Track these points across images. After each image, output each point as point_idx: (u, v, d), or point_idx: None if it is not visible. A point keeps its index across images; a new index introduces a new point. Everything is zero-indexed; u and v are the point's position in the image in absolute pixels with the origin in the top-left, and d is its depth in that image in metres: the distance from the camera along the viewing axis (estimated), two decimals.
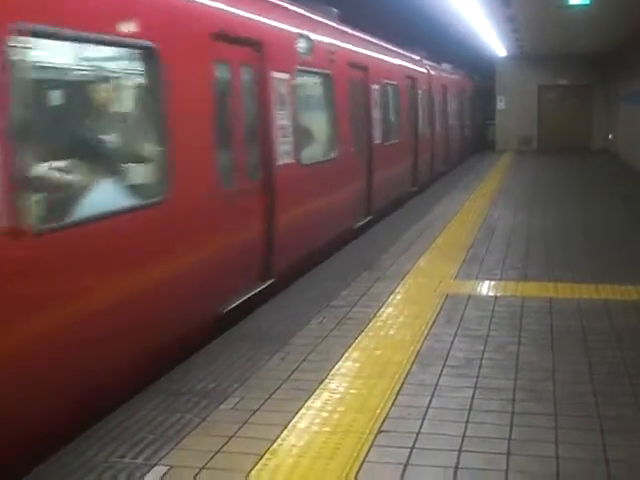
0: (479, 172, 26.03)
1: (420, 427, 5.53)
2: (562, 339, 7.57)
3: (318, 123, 13.51)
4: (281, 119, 10.36)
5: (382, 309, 8.61)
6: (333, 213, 12.95)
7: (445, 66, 30.51)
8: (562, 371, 6.67)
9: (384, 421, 5.63)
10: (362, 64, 15.43)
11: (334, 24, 14.63)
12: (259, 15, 9.97)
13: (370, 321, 8.14)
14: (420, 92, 22.36)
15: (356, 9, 20.43)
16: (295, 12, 12.11)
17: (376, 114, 16.33)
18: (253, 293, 9.24)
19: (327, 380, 6.46)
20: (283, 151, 10.35)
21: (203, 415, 5.77)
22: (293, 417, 5.70)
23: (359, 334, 7.69)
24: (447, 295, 9.23)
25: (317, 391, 6.21)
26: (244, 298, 8.96)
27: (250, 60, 9.42)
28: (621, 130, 30.94)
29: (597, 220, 15.11)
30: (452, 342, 7.47)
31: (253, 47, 9.48)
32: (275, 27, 10.71)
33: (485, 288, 9.73)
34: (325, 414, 5.76)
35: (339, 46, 13.77)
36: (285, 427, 5.52)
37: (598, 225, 14.51)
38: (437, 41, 28.87)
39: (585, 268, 10.74)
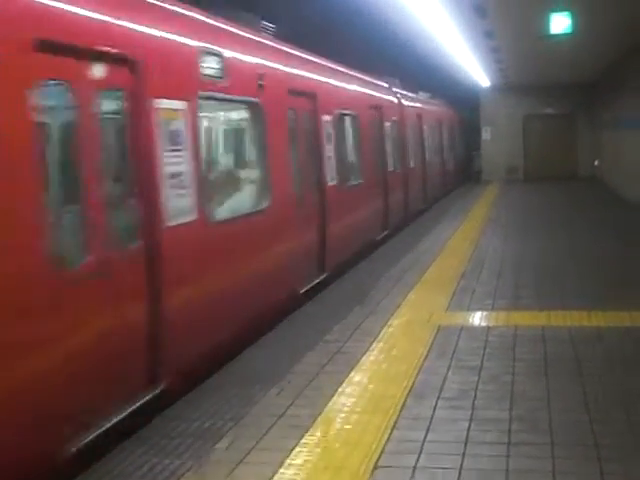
0: (465, 203, 26.07)
1: (417, 461, 5.49)
2: (556, 367, 7.57)
3: (239, 165, 11.43)
4: (172, 163, 7.78)
5: (374, 343, 8.58)
6: (261, 279, 9.99)
7: (422, 95, 29.04)
8: (557, 400, 6.66)
9: (380, 456, 5.60)
10: (308, 90, 12.82)
11: (263, 40, 11.64)
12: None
13: (363, 355, 8.11)
14: (388, 124, 20.06)
15: (321, 32, 19.33)
16: (195, 20, 9.16)
17: (329, 151, 13.67)
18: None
19: (322, 416, 6.42)
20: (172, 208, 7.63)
21: (197, 456, 5.73)
22: (289, 454, 5.66)
23: (352, 369, 7.67)
24: (439, 327, 9.21)
25: (312, 427, 6.17)
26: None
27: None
28: (606, 156, 31.13)
29: (586, 246, 15.14)
30: (446, 374, 7.45)
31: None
32: (156, 37, 7.83)
33: (477, 319, 9.72)
34: (321, 450, 5.72)
35: (272, 68, 11.12)
36: (281, 465, 5.48)
37: (587, 251, 14.53)
38: (419, 73, 28.96)
39: (576, 295, 10.74)
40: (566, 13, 15.98)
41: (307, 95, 12.73)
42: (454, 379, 7.30)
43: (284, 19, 15.09)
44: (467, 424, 6.15)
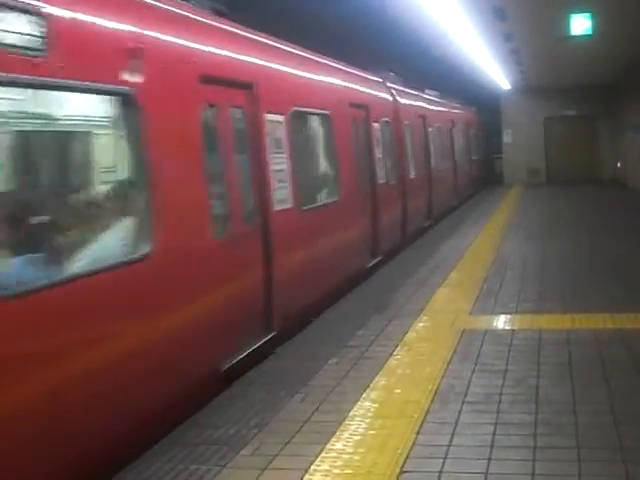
0: (487, 207, 25.98)
1: (442, 466, 5.48)
2: (581, 370, 7.53)
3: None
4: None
5: (398, 348, 8.57)
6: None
7: (430, 93, 25.97)
8: (582, 403, 6.63)
9: (405, 461, 5.59)
10: (240, 80, 9.17)
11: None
12: None
13: (387, 360, 8.10)
14: (378, 126, 16.28)
15: (337, 33, 18.20)
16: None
17: (278, 163, 9.99)
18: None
19: (346, 421, 6.42)
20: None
21: (222, 463, 5.73)
22: (314, 460, 5.66)
23: (376, 374, 7.66)
24: (463, 331, 9.19)
25: (337, 432, 6.17)
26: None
27: None
28: (628, 158, 30.97)
29: (609, 249, 15.07)
30: (470, 378, 7.43)
31: None
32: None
33: (501, 322, 9.70)
34: (346, 456, 5.72)
35: (159, 41, 7.36)
36: (306, 471, 5.48)
37: (611, 254, 14.46)
38: (440, 76, 28.87)
39: (600, 298, 10.70)
40: (586, 14, 15.94)
41: (239, 85, 9.18)
42: (479, 383, 7.29)
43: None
44: (492, 428, 6.13)
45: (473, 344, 8.61)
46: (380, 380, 7.47)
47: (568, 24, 16.25)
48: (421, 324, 9.63)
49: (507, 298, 10.95)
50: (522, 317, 9.86)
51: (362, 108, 15.14)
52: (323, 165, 13.19)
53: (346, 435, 6.11)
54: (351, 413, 6.60)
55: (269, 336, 9.10)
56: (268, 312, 9.20)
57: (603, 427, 6.07)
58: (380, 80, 18.13)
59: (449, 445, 5.85)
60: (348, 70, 15.17)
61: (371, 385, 7.32)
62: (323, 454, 5.77)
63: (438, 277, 12.73)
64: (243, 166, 9.15)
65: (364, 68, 16.72)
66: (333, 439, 6.04)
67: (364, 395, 7.04)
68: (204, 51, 8.26)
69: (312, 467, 5.55)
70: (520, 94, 36.11)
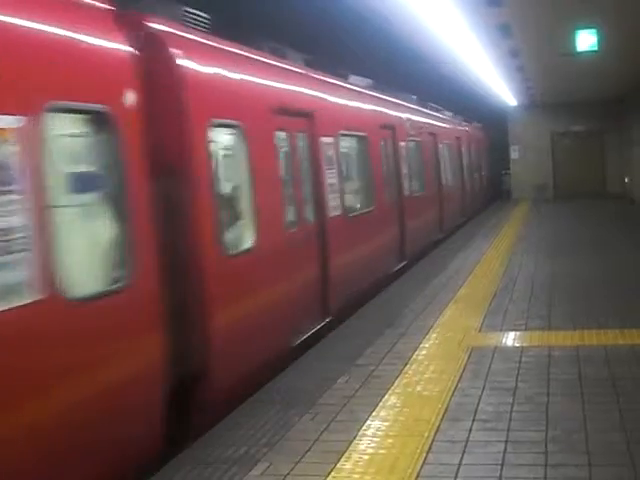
0: (496, 223, 26.00)
1: None
2: (591, 387, 7.51)
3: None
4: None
5: (407, 365, 8.56)
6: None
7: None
8: (593, 420, 6.60)
9: None
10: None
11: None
12: None
13: (396, 378, 8.09)
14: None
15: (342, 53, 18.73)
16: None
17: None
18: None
19: (356, 440, 6.41)
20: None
21: None
22: None
23: (386, 392, 7.65)
24: (472, 348, 9.18)
25: (347, 452, 6.15)
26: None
27: None
28: (636, 173, 30.94)
29: (618, 264, 15.05)
30: (480, 396, 7.41)
31: None
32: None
33: (510, 339, 9.68)
34: (356, 476, 5.70)
35: None
36: None
37: (619, 269, 14.44)
38: (446, 93, 28.93)
39: (609, 313, 10.66)
40: (592, 30, 15.93)
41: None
42: (489, 401, 7.27)
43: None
44: (503, 446, 6.11)
45: (482, 362, 8.59)
46: (390, 398, 7.45)
47: (574, 40, 16.25)
48: (430, 341, 9.62)
49: (516, 314, 10.93)
50: (531, 334, 9.84)
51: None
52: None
53: (356, 455, 6.10)
54: (361, 432, 6.58)
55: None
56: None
57: (614, 445, 6.04)
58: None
59: (459, 464, 5.82)
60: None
61: (381, 404, 7.30)
62: (333, 474, 5.75)
63: (447, 293, 12.73)
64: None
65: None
66: (343, 459, 6.02)
67: (374, 414, 7.03)
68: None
69: None
70: (527, 110, 36.14)
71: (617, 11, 14.57)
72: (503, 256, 17.03)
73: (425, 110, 22.91)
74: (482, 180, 34.94)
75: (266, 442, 6.49)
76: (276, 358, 9.03)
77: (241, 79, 9.08)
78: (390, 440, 6.38)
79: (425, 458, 5.95)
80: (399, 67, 21.69)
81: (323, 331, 10.71)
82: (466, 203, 28.60)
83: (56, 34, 5.68)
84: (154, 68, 7.10)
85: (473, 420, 6.75)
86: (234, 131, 8.72)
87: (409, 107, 19.96)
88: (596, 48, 16.36)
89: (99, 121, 6.02)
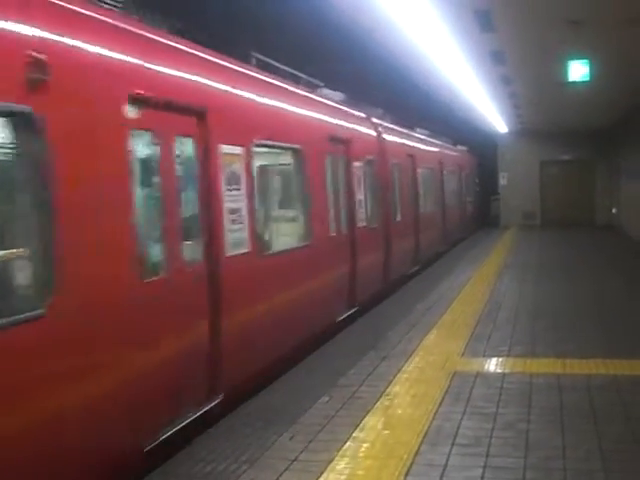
0: (482, 249, 26.06)
1: None
2: (571, 416, 7.52)
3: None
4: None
5: (389, 388, 8.56)
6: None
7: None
8: (572, 448, 6.62)
9: None
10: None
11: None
12: None
13: (377, 400, 8.09)
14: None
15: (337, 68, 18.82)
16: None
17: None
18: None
19: (335, 460, 6.40)
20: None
21: None
22: None
23: (366, 413, 7.65)
24: (454, 373, 9.18)
25: (325, 472, 6.15)
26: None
27: None
28: (624, 204, 31.09)
29: (603, 294, 15.08)
30: (460, 420, 7.42)
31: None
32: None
33: (493, 365, 9.69)
34: None
35: None
36: None
37: (604, 299, 14.48)
38: (437, 119, 29.05)
39: (593, 343, 10.69)
40: (584, 61, 16.05)
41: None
42: (469, 425, 7.27)
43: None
44: (481, 471, 6.12)
45: (464, 386, 8.60)
46: (370, 420, 7.45)
47: (566, 70, 16.37)
48: (413, 365, 9.62)
49: (499, 341, 10.95)
50: (514, 360, 9.86)
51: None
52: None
53: (334, 475, 6.09)
54: (340, 452, 6.58)
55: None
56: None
57: (592, 473, 6.06)
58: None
59: None
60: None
61: (361, 425, 7.30)
62: None
63: (431, 318, 12.74)
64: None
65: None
66: (321, 479, 6.01)
67: (354, 435, 7.03)
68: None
69: None
70: (517, 137, 36.30)
71: (609, 43, 14.70)
72: (488, 282, 17.06)
73: (396, 127, 20.47)
74: (466, 206, 34.12)
75: (246, 459, 6.49)
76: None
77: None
78: (369, 461, 6.38)
79: None
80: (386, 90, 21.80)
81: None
82: (445, 232, 26.82)
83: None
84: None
85: (452, 444, 6.76)
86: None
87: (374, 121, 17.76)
88: (588, 78, 16.48)
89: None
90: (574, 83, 17.10)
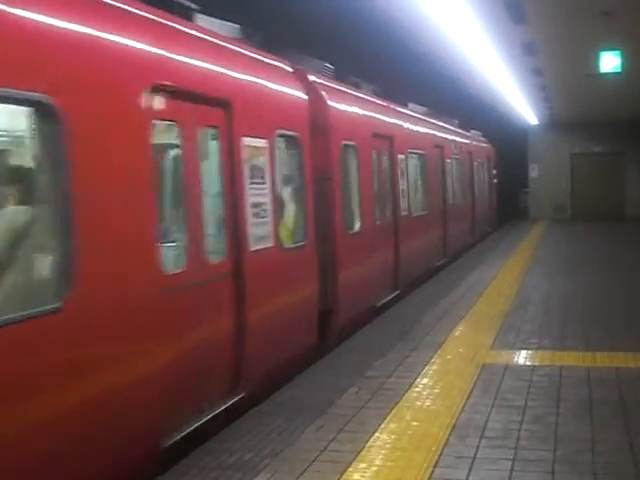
0: (512, 241, 25.94)
1: None
2: (601, 409, 7.48)
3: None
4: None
5: (418, 379, 8.55)
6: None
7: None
8: (601, 442, 6.58)
9: None
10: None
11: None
12: None
13: (406, 392, 8.08)
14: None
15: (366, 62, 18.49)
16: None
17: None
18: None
19: (364, 452, 6.40)
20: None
21: None
22: None
23: (395, 405, 7.64)
24: (483, 365, 9.16)
25: (354, 463, 6.15)
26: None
27: None
28: None
29: (633, 287, 14.98)
30: (489, 413, 7.39)
31: None
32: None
33: (522, 358, 9.65)
34: None
35: None
36: None
37: (633, 294, 14.37)
38: (467, 110, 28.88)
39: (622, 336, 10.62)
40: (616, 52, 15.95)
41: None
42: (497, 418, 7.25)
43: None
44: (510, 464, 6.09)
45: (493, 379, 8.57)
46: (399, 412, 7.45)
47: (598, 61, 16.26)
48: (442, 357, 9.60)
49: (528, 333, 10.90)
50: (543, 353, 9.81)
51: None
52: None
53: (363, 466, 6.09)
54: (369, 444, 6.58)
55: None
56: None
57: (621, 466, 6.03)
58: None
59: None
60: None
61: (390, 416, 7.30)
62: None
63: (460, 310, 12.71)
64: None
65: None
66: (350, 469, 6.01)
67: (382, 426, 7.03)
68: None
69: None
70: (547, 129, 36.10)
71: None
72: (518, 274, 17.00)
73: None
74: (492, 198, 32.34)
75: (271, 450, 6.49)
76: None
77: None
78: (398, 453, 6.37)
79: (432, 472, 5.94)
80: (420, 82, 21.69)
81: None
82: (474, 224, 26.06)
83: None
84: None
85: (481, 437, 6.74)
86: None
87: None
88: (619, 70, 16.37)
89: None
90: (605, 74, 17.00)
